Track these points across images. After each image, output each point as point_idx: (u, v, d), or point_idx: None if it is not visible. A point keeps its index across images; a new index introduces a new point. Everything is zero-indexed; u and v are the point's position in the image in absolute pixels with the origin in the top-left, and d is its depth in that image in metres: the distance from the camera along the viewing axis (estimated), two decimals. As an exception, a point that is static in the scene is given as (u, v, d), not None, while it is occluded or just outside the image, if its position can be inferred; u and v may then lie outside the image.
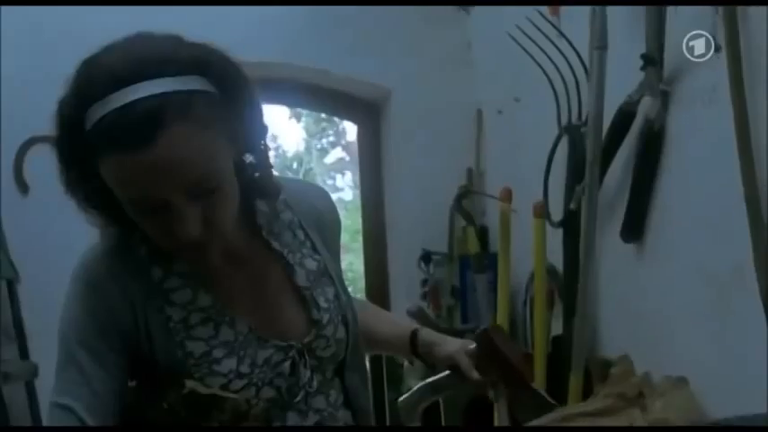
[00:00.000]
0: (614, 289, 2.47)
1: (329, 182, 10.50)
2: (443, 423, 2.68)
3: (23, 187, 3.52)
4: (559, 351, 2.61)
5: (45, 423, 1.28)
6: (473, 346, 1.50)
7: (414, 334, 1.58)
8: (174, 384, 1.26)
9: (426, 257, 3.45)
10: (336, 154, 10.92)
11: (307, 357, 1.36)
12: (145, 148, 1.12)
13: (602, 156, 2.27)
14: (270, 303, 1.35)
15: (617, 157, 2.33)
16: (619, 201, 2.34)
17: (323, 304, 1.38)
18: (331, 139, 10.92)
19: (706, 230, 1.98)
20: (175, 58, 1.17)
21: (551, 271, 2.73)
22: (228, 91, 1.21)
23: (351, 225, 7.53)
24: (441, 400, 2.71)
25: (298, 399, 1.35)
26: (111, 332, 1.27)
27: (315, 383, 1.37)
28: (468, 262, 3.14)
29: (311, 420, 1.37)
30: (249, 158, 1.30)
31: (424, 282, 3.52)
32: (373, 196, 4.08)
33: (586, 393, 2.31)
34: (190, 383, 1.25)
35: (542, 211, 2.53)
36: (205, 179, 1.17)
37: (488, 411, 2.57)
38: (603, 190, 2.36)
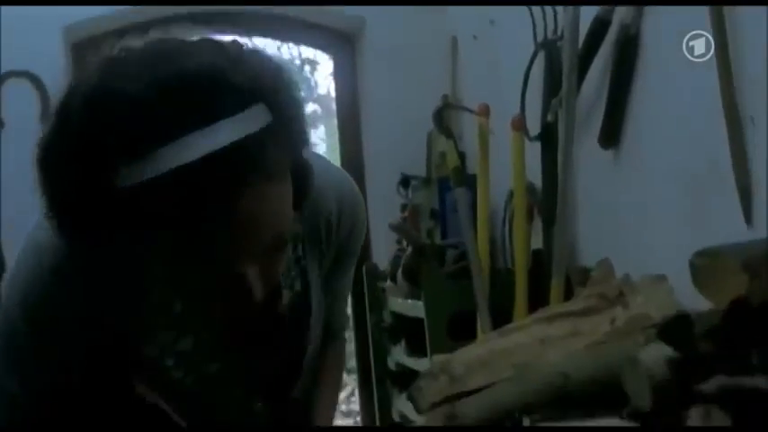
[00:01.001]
0: (593, 198, 2.50)
1: (302, 138, 10.52)
2: (428, 338, 2.72)
3: (-1, 123, 3.51)
4: (540, 265, 2.65)
5: None
6: None
7: None
8: (123, 383, 1.21)
9: (405, 182, 3.48)
10: (308, 108, 10.88)
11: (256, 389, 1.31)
12: (218, 220, 0.91)
13: (578, 64, 2.29)
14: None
15: (593, 67, 2.35)
16: (595, 111, 2.37)
17: (291, 333, 1.29)
18: (302, 93, 10.88)
19: (682, 130, 2.01)
20: (232, 87, 0.92)
21: (530, 188, 2.76)
22: (285, 112, 0.99)
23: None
24: (424, 316, 2.76)
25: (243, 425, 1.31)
26: (68, 322, 1.13)
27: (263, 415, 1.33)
28: (447, 185, 3.16)
29: None
30: None
31: (404, 207, 3.55)
32: (351, 126, 4.09)
33: (567, 300, 2.35)
34: (140, 388, 1.20)
35: (520, 124, 2.55)
36: (280, 237, 1.00)
37: (471, 324, 2.63)
38: (580, 101, 2.38)
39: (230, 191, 0.90)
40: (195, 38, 1.00)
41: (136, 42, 0.98)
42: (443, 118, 2.94)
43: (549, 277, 2.42)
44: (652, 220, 2.17)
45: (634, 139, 2.23)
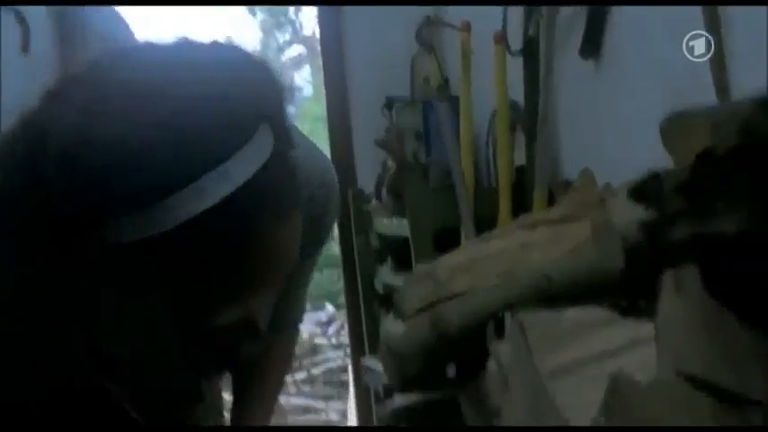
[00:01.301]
0: (575, 111, 2.52)
1: (287, 80, 10.52)
2: (413, 252, 2.75)
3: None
4: (523, 182, 2.67)
5: None
6: None
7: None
8: (87, 381, 1.09)
9: (389, 104, 3.48)
10: (294, 51, 10.81)
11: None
12: (232, 270, 0.80)
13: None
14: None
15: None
16: (577, 24, 2.37)
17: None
18: (287, 37, 10.81)
19: (663, 35, 2.01)
20: (239, 113, 0.79)
21: (513, 106, 2.76)
22: (283, 125, 0.86)
23: (313, 111, 7.58)
24: (409, 231, 2.78)
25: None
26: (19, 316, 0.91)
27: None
28: (431, 106, 3.16)
29: None
30: None
31: (389, 130, 3.55)
32: (334, 51, 4.07)
33: (550, 212, 2.37)
34: (107, 384, 1.11)
35: (502, 38, 2.56)
36: (291, 269, 0.89)
37: (456, 240, 2.65)
38: (561, 13, 2.38)
39: (242, 237, 0.79)
40: (171, 41, 0.84)
41: (114, 66, 0.82)
42: (426, 37, 2.93)
43: (532, 192, 2.44)
44: (632, 125, 2.19)
45: (614, 48, 2.24)
